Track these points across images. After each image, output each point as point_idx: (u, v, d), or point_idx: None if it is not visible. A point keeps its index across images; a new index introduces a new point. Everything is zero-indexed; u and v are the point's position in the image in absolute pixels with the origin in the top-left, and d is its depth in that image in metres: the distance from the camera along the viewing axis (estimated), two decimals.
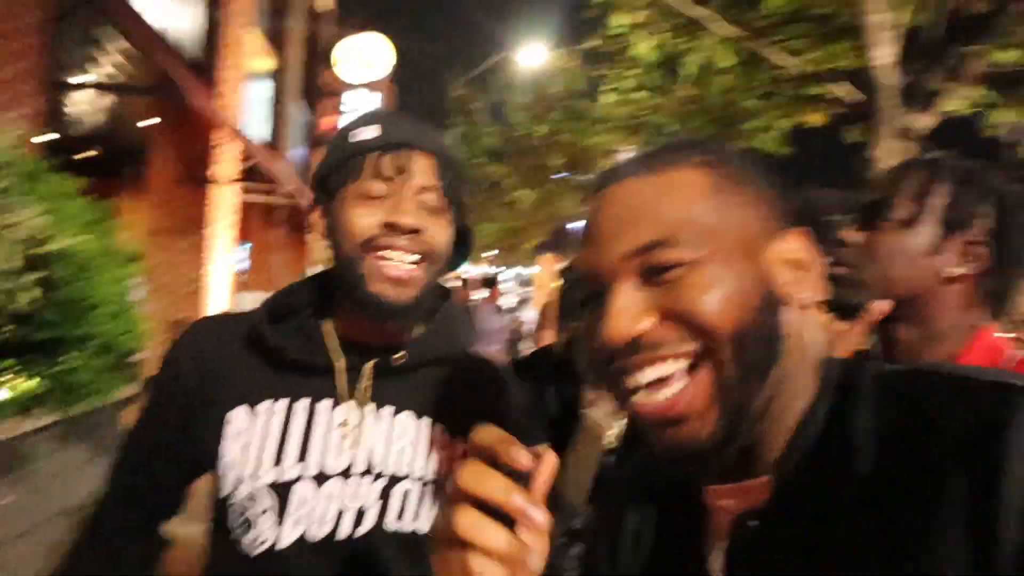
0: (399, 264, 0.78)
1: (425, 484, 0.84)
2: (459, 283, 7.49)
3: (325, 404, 0.83)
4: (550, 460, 0.44)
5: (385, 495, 0.82)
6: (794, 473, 0.48)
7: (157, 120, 7.16)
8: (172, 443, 0.84)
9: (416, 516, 0.83)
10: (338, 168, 0.82)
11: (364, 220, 0.79)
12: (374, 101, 17.53)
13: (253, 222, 11.49)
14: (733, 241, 0.49)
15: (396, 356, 0.84)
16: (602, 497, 0.65)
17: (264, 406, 0.82)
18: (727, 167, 0.53)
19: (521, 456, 0.42)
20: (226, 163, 7.63)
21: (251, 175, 9.16)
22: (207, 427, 0.82)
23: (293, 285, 0.90)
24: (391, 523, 0.82)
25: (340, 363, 0.83)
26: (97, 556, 0.87)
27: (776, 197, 0.53)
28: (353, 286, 0.79)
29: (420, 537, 0.82)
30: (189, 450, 0.83)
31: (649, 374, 0.48)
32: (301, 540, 0.79)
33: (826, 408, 0.49)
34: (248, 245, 10.93)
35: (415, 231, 0.79)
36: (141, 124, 7.22)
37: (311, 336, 0.84)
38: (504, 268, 20.55)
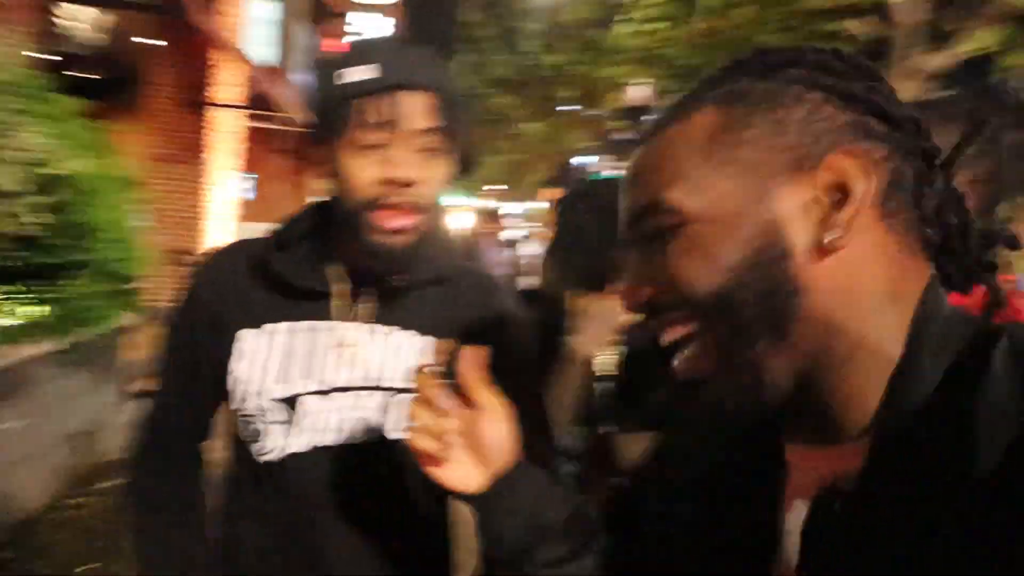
0: (395, 218, 0.80)
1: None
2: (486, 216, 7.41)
3: (327, 325, 0.88)
4: (466, 354, 0.63)
5: (386, 407, 0.88)
6: (895, 441, 0.43)
7: (157, 40, 6.93)
8: (198, 363, 0.90)
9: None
10: (328, 114, 0.80)
11: (362, 175, 0.79)
12: (383, 25, 16.93)
13: (257, 150, 11.31)
14: (729, 193, 0.46)
15: (397, 277, 0.87)
16: (676, 423, 0.65)
17: (269, 327, 0.87)
18: (748, 98, 0.47)
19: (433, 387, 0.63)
20: (228, 87, 7.42)
21: (255, 100, 8.95)
22: (222, 347, 0.88)
23: (298, 214, 0.93)
24: (392, 432, 0.87)
25: (342, 288, 0.88)
26: (152, 475, 0.94)
27: (832, 111, 0.45)
28: (354, 234, 0.82)
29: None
30: (211, 369, 0.89)
31: (666, 338, 0.50)
32: (312, 449, 0.86)
33: (937, 370, 0.43)
34: (254, 176, 10.80)
35: (409, 184, 0.79)
36: (140, 44, 6.99)
37: (315, 264, 0.88)
38: (509, 202, 20.35)
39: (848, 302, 0.44)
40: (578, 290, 1.31)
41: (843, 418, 0.46)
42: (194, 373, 0.90)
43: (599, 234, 1.29)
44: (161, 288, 6.37)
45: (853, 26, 4.46)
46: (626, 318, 1.33)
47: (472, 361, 0.63)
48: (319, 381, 0.86)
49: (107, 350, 3.69)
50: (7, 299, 2.77)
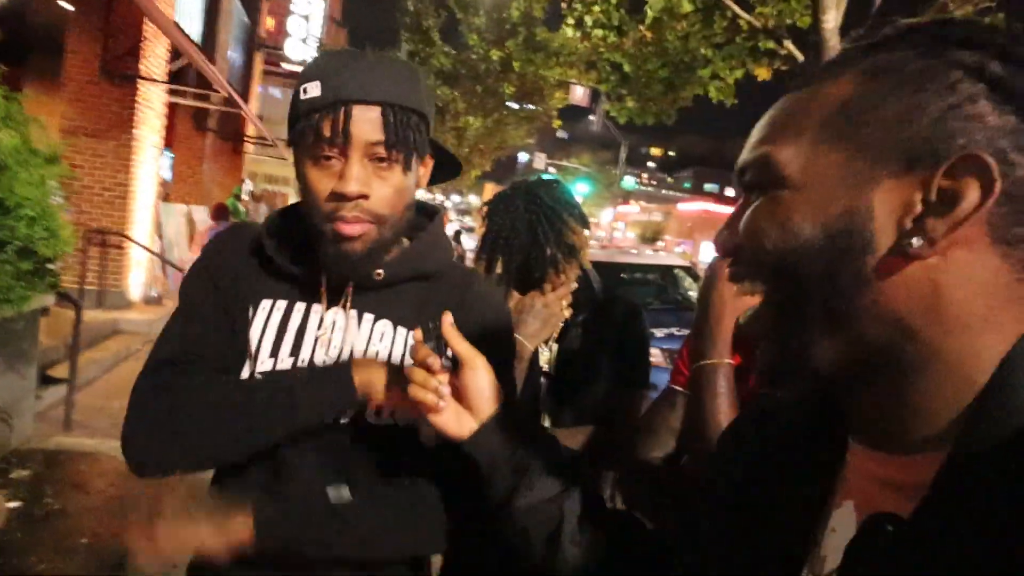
0: (349, 224, 0.84)
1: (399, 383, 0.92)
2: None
3: (316, 308, 0.94)
4: (446, 318, 0.78)
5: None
6: (970, 470, 0.38)
7: (76, 4, 6.48)
8: (212, 333, 0.94)
9: (392, 412, 0.92)
10: (292, 126, 0.87)
11: (318, 189, 0.84)
12: (315, 7, 16.43)
13: (180, 127, 10.76)
14: (834, 169, 0.43)
15: (375, 274, 0.91)
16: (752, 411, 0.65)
17: (267, 303, 0.93)
18: (897, 73, 0.43)
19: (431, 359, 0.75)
20: (154, 60, 7.04)
21: (181, 76, 8.52)
22: (236, 319, 0.93)
23: (286, 209, 0.99)
24: (370, 415, 0.91)
25: (325, 277, 0.93)
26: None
27: (986, 108, 0.40)
28: (319, 240, 0.88)
29: (397, 429, 0.92)
30: (227, 340, 0.93)
31: (737, 289, 0.50)
32: None
33: None
34: (171, 155, 10.28)
35: (361, 197, 0.83)
36: (54, 5, 6.52)
37: (302, 253, 0.92)
38: (444, 197, 20.26)
39: (929, 312, 0.41)
40: (510, 289, 1.38)
41: (908, 426, 0.43)
42: (205, 343, 0.94)
43: (526, 235, 1.36)
44: (80, 269, 6.03)
45: (790, 45, 4.69)
46: (559, 317, 1.40)
47: (451, 322, 0.77)
48: (304, 360, 0.91)
49: (21, 332, 3.46)
50: None
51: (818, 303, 0.44)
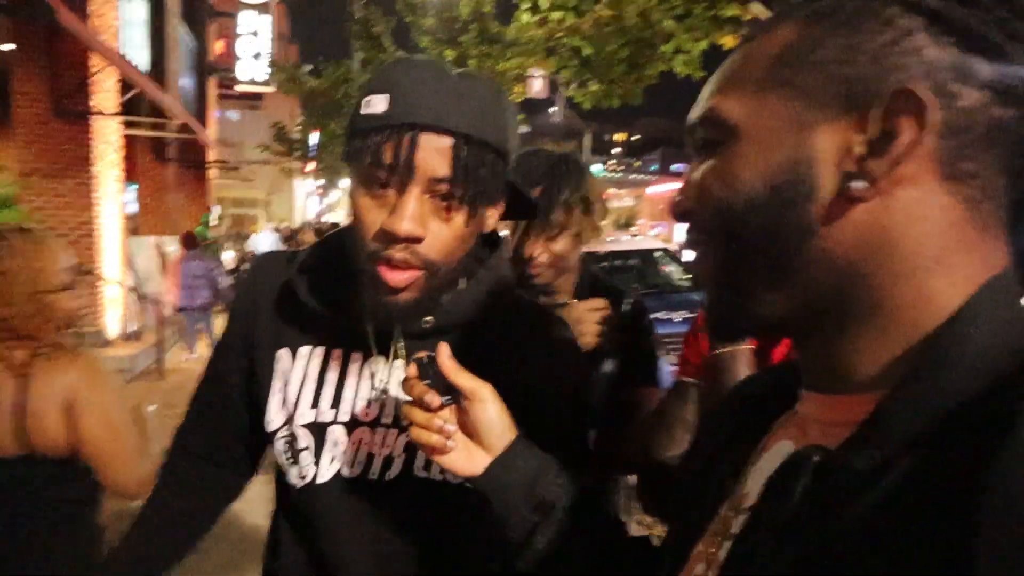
0: (393, 271, 0.73)
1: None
2: None
3: (357, 356, 0.85)
4: (441, 350, 0.68)
5: (412, 446, 0.83)
6: (913, 405, 0.37)
7: (18, 44, 6.29)
8: (239, 371, 0.90)
9: (442, 467, 0.84)
10: (349, 144, 0.75)
11: (368, 221, 0.73)
12: (263, 25, 16.21)
13: (141, 160, 10.53)
14: (775, 116, 0.43)
15: (424, 322, 0.81)
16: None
17: (304, 350, 0.85)
18: (835, 16, 0.42)
19: (431, 398, 0.67)
20: (104, 94, 6.87)
21: (135, 107, 8.32)
22: (260, 363, 0.86)
23: (327, 238, 0.88)
24: (419, 471, 0.83)
25: (370, 325, 0.83)
26: (176, 478, 0.98)
27: (924, 41, 0.39)
28: (361, 282, 0.76)
29: (447, 486, 0.83)
30: (250, 385, 0.89)
31: (686, 241, 0.51)
32: (338, 477, 0.83)
33: (981, 372, 0.37)
34: (134, 186, 10.06)
35: (413, 240, 0.71)
36: (4, 49, 6.32)
37: (341, 294, 0.81)
38: None
39: (878, 256, 0.40)
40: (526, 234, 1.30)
41: (854, 367, 0.42)
42: (234, 384, 0.91)
43: (545, 171, 1.27)
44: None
45: (758, 9, 4.67)
46: (590, 334, 1.32)
47: (448, 354, 0.68)
48: (345, 412, 0.84)
49: None
50: None
51: (763, 256, 0.43)
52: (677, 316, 4.99)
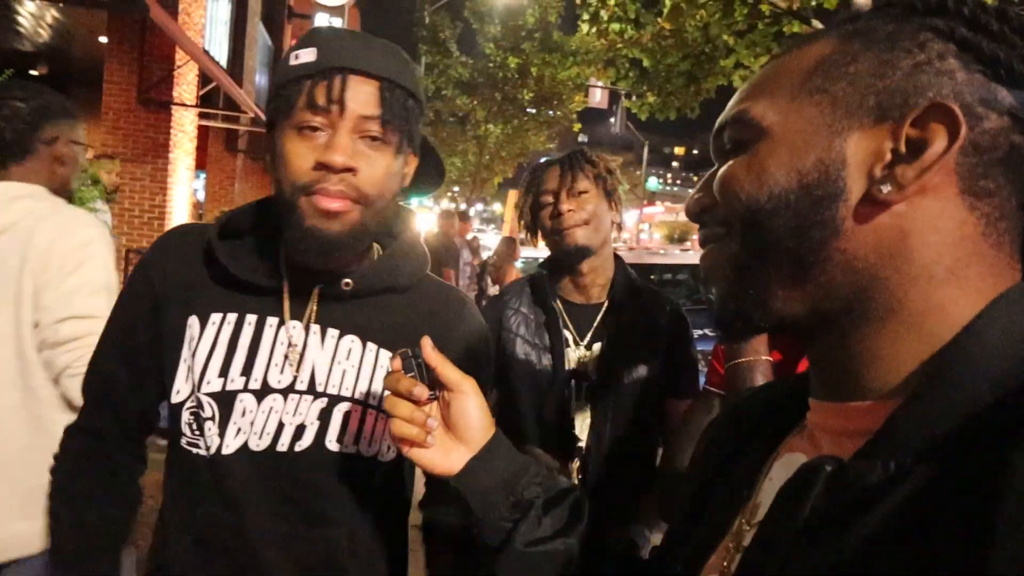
0: (330, 199, 0.76)
1: (366, 407, 0.86)
2: (455, 216, 7.39)
3: (272, 322, 0.84)
4: (426, 342, 0.67)
5: (325, 415, 0.84)
6: (926, 416, 0.38)
7: (113, 37, 6.76)
8: (140, 346, 0.87)
9: (356, 438, 0.85)
10: (276, 96, 0.79)
11: (300, 160, 0.76)
12: (336, 26, 16.74)
13: (212, 149, 11.08)
14: (809, 120, 0.44)
15: (343, 283, 0.83)
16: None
17: (215, 317, 0.84)
18: (870, 35, 0.44)
19: (416, 388, 0.66)
20: (186, 86, 7.29)
21: (210, 100, 8.79)
22: (167, 332, 0.85)
23: (245, 206, 0.89)
24: (331, 442, 0.84)
25: (286, 285, 0.84)
26: (82, 463, 0.92)
27: (954, 65, 0.42)
28: (288, 223, 0.79)
29: (361, 459, 0.85)
30: (153, 354, 0.86)
31: (701, 239, 0.52)
32: (244, 449, 0.82)
33: (993, 385, 0.37)
34: (203, 174, 10.58)
35: (347, 170, 0.75)
36: (94, 40, 6.80)
37: (260, 257, 0.84)
38: (467, 205, 20.38)
39: (896, 260, 0.42)
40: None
41: (866, 373, 0.43)
42: (134, 355, 0.88)
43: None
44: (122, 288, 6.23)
45: (818, 26, 4.64)
46: None
47: (431, 346, 0.68)
48: (256, 380, 0.83)
49: None
50: None
51: (786, 252, 0.44)
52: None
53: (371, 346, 0.87)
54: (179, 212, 7.30)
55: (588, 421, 1.38)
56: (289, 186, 0.77)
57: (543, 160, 1.50)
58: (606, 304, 1.44)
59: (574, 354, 1.41)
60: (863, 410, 0.43)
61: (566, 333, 1.42)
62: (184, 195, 7.48)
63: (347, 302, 0.85)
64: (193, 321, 0.84)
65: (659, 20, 5.68)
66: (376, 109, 0.77)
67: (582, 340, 1.42)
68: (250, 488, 0.81)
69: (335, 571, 0.84)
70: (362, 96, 0.76)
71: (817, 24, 4.71)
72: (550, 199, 1.40)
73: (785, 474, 0.43)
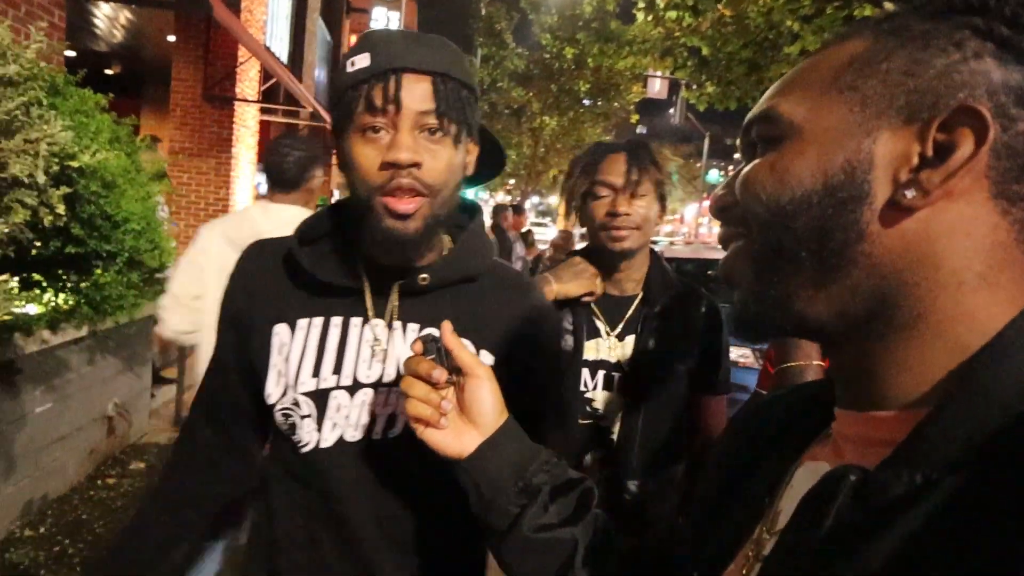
0: (400, 200, 0.80)
1: None
2: (508, 209, 7.39)
3: (356, 321, 0.89)
4: (446, 326, 0.71)
5: None
6: (954, 426, 0.37)
7: (180, 36, 7.03)
8: (238, 356, 0.93)
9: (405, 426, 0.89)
10: (338, 103, 0.82)
11: (368, 162, 0.80)
12: (392, 20, 16.97)
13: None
14: (838, 119, 0.43)
15: (420, 279, 0.87)
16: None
17: (302, 323, 0.89)
18: (906, 32, 0.43)
19: (434, 371, 0.68)
20: (248, 81, 7.51)
21: (272, 96, 9.04)
22: (259, 342, 0.90)
23: (319, 212, 0.94)
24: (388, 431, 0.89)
25: (367, 285, 0.89)
26: (188, 473, 0.98)
27: (991, 65, 0.40)
28: (366, 224, 0.83)
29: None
30: (249, 362, 0.91)
31: (722, 237, 0.50)
32: (340, 441, 0.87)
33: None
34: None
35: (413, 165, 0.79)
36: (163, 39, 7.09)
37: (340, 260, 0.89)
38: (523, 198, 20.32)
39: (923, 267, 0.40)
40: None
41: (892, 381, 0.42)
42: (233, 368, 0.94)
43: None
44: None
45: (891, 9, 4.32)
46: (591, 277, 1.38)
47: (451, 331, 0.70)
48: (347, 376, 0.88)
49: (136, 337, 3.76)
50: (40, 287, 2.84)
51: (809, 255, 0.43)
52: None
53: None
54: (242, 205, 7.54)
55: (620, 414, 1.37)
56: (363, 188, 0.81)
57: (604, 142, 1.44)
58: (640, 297, 1.42)
59: (605, 344, 1.39)
60: (888, 419, 0.42)
61: (598, 323, 1.41)
62: (246, 188, 7.73)
63: (424, 295, 0.89)
64: (281, 328, 0.89)
65: (719, 6, 5.44)
66: (431, 103, 0.80)
67: (613, 331, 1.40)
68: (348, 476, 0.87)
69: (428, 548, 0.89)
70: (417, 92, 0.79)
71: (889, 6, 4.39)
72: (607, 193, 1.35)
73: (808, 483, 0.42)
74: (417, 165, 0.79)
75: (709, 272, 6.32)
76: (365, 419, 0.88)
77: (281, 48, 9.34)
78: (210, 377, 0.98)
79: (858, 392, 0.44)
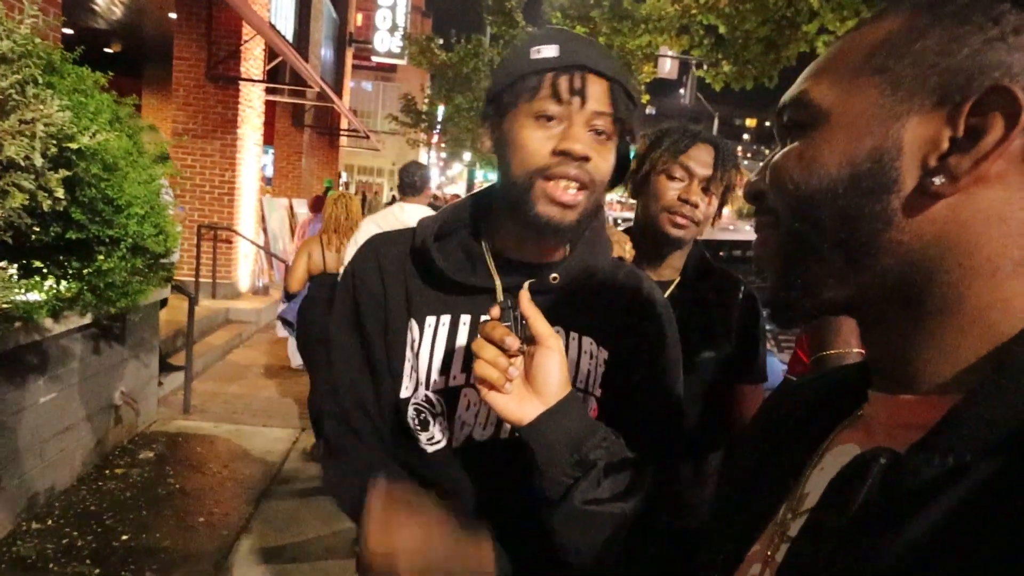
0: (566, 190, 0.81)
1: (582, 393, 0.91)
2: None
3: (486, 319, 0.87)
4: (524, 294, 0.73)
5: None
6: (986, 412, 0.36)
7: (182, 13, 6.87)
8: (366, 354, 0.93)
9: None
10: (514, 84, 0.83)
11: (537, 145, 0.81)
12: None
13: (279, 124, 11.28)
14: (868, 103, 0.41)
15: (551, 278, 0.89)
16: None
17: (431, 320, 0.90)
18: (944, 7, 0.41)
19: (508, 339, 0.70)
20: (253, 61, 7.37)
21: (278, 75, 8.89)
22: (392, 337, 0.91)
23: (449, 208, 0.95)
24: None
25: (499, 283, 0.89)
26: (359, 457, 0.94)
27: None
28: (520, 206, 0.83)
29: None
30: (379, 359, 0.91)
31: (755, 225, 0.50)
32: (469, 439, 0.88)
33: None
34: (271, 149, 10.78)
35: (584, 158, 0.81)
36: (164, 17, 6.94)
37: (470, 255, 0.90)
38: None
39: (955, 253, 0.39)
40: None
41: (924, 367, 0.42)
42: (362, 360, 0.93)
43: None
44: (194, 262, 6.46)
45: None
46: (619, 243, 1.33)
47: (528, 299, 0.72)
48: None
49: (142, 324, 3.69)
50: (42, 274, 2.76)
51: (834, 245, 0.43)
52: None
53: (573, 335, 0.92)
54: (248, 187, 7.44)
55: None
56: (524, 170, 0.82)
57: (695, 128, 1.41)
58: (677, 281, 1.38)
59: None
60: (921, 403, 0.42)
61: None
62: (252, 170, 7.62)
63: (551, 294, 0.90)
64: (412, 325, 0.90)
65: None
66: (608, 107, 0.82)
67: None
68: (475, 474, 0.88)
69: (541, 546, 0.86)
70: (597, 93, 0.82)
71: None
72: (685, 178, 1.32)
73: (837, 465, 0.42)
74: (587, 159, 0.81)
75: (720, 253, 6.24)
76: (494, 418, 0.88)
77: (286, 26, 9.17)
78: (345, 369, 0.94)
79: (891, 375, 0.44)
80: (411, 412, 0.89)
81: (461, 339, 0.89)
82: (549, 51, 0.82)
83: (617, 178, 0.95)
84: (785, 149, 0.46)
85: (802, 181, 0.43)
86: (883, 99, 0.41)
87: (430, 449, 0.88)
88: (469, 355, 0.85)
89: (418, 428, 0.89)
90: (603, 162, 0.83)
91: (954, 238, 0.40)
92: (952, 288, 0.40)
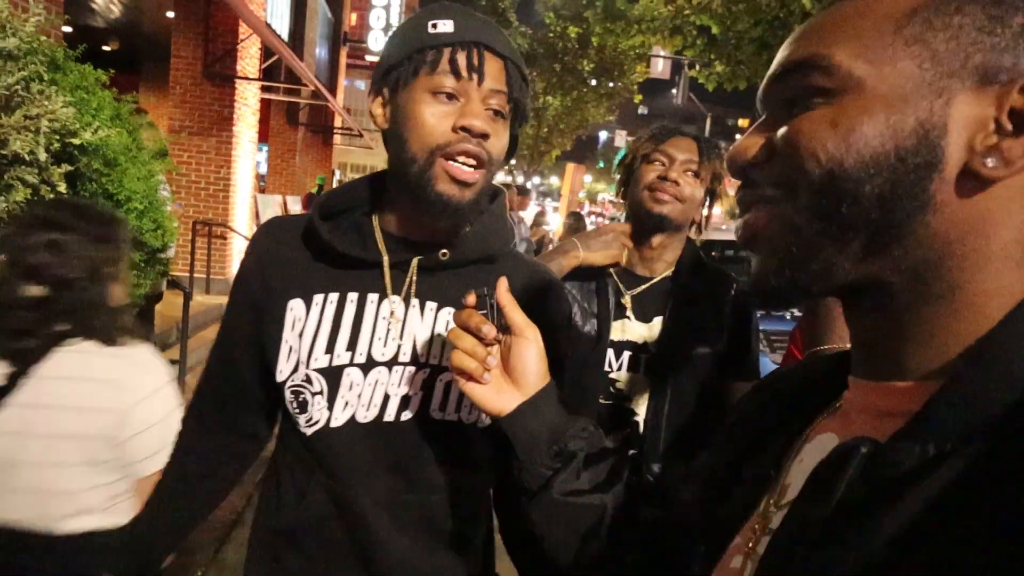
0: (464, 167, 0.80)
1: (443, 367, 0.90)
2: (512, 190, 7.36)
3: (373, 297, 0.87)
4: (502, 283, 0.71)
5: (428, 385, 0.87)
6: (969, 397, 0.36)
7: (179, 12, 6.89)
8: (248, 335, 0.92)
9: (458, 406, 0.88)
10: (410, 58, 0.81)
11: (436, 121, 0.79)
12: None
13: (274, 122, 11.29)
14: (907, 75, 0.39)
15: (440, 253, 0.86)
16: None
17: (318, 298, 0.87)
18: None
19: (485, 327, 0.69)
20: (249, 59, 7.39)
21: (273, 74, 8.91)
22: (271, 318, 0.88)
23: (346, 184, 0.94)
24: (435, 411, 0.87)
25: (386, 259, 0.87)
26: (191, 447, 0.99)
27: None
28: (417, 183, 0.81)
29: (462, 426, 0.88)
30: (260, 340, 0.90)
31: (742, 210, 0.47)
32: (352, 421, 0.85)
33: None
34: (265, 147, 10.79)
35: (483, 136, 0.80)
36: (162, 15, 6.95)
37: (360, 232, 0.88)
38: (525, 178, 20.19)
39: (974, 240, 0.38)
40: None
41: (912, 353, 0.40)
42: (242, 343, 0.93)
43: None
44: (189, 258, 6.48)
45: None
46: (620, 241, 1.38)
47: (506, 288, 0.71)
48: (361, 354, 0.86)
49: (140, 318, 3.73)
50: None
51: (867, 225, 0.39)
52: (790, 313, 4.72)
53: (447, 309, 0.90)
54: (243, 184, 7.47)
55: (647, 395, 1.36)
56: (422, 147, 0.79)
57: (675, 126, 1.47)
58: (670, 277, 1.41)
59: (631, 325, 1.39)
60: (904, 390, 0.40)
61: (625, 304, 1.40)
62: (248, 167, 7.64)
63: (441, 273, 0.88)
64: (296, 303, 0.88)
65: None
66: (504, 85, 0.82)
67: (642, 313, 1.39)
68: (357, 457, 0.85)
69: (433, 533, 0.88)
70: (494, 71, 0.81)
71: None
72: (664, 160, 1.36)
73: (817, 456, 0.41)
74: (487, 136, 0.80)
75: (712, 252, 6.28)
76: (378, 399, 0.86)
77: (282, 25, 9.19)
78: (216, 358, 0.97)
79: (877, 361, 0.43)
80: (288, 395, 0.87)
81: (348, 316, 0.86)
82: (445, 26, 0.80)
83: (506, 158, 0.96)
84: (807, 114, 0.41)
85: (838, 152, 0.39)
86: (922, 72, 0.39)
87: (309, 431, 0.86)
88: (355, 333, 0.85)
89: (296, 411, 0.87)
90: (499, 141, 0.82)
91: (978, 223, 0.38)
92: (960, 273, 0.39)
